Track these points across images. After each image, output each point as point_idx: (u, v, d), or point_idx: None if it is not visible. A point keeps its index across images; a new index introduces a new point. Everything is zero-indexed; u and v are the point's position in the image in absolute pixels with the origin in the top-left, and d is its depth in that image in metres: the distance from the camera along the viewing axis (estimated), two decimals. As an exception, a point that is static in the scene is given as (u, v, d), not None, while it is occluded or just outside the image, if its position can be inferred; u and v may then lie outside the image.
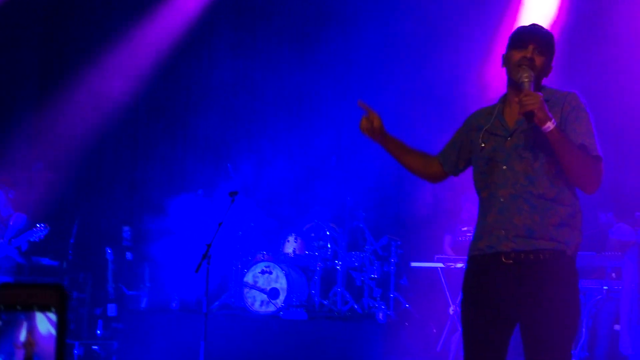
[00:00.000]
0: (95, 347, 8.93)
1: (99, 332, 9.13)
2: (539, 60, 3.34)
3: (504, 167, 3.32)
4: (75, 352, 8.70)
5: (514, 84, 3.39)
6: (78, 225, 8.91)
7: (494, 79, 8.61)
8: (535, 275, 3.24)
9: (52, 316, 1.82)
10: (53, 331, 1.82)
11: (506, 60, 3.43)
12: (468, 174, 3.63)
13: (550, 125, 3.14)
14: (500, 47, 8.88)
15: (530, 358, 3.31)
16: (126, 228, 9.70)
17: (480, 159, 3.45)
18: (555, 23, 8.65)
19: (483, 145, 3.42)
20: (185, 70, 10.44)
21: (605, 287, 7.38)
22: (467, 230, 8.41)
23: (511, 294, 3.28)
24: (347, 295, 8.42)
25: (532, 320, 3.27)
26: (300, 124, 9.83)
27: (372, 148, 9.22)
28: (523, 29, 3.46)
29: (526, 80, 3.25)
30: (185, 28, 10.06)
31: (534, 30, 3.43)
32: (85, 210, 9.49)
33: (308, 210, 9.14)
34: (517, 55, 3.37)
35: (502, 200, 3.31)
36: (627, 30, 8.36)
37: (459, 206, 8.59)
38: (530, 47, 3.35)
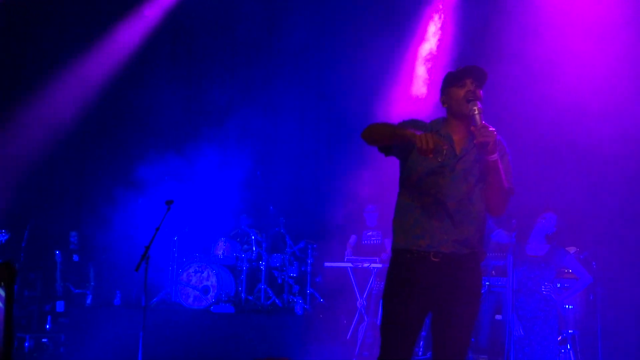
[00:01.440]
0: (45, 339, 9.44)
1: (48, 326, 9.65)
2: (479, 93, 3.63)
3: (453, 183, 3.62)
4: (26, 344, 9.23)
5: (461, 116, 3.66)
6: (30, 230, 9.34)
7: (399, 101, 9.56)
8: (455, 270, 3.61)
9: (1, 291, 2.15)
10: (1, 304, 2.15)
11: (447, 98, 3.71)
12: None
13: (496, 156, 3.54)
14: (406, 71, 9.75)
15: (441, 339, 3.64)
16: (73, 233, 10.17)
17: (424, 167, 3.66)
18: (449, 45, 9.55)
19: (434, 157, 3.59)
20: (126, 94, 10.97)
21: (487, 283, 8.06)
22: (372, 235, 9.10)
23: (434, 286, 3.60)
24: (270, 292, 9.04)
25: (448, 305, 3.60)
26: (228, 142, 10.41)
27: (291, 163, 10.14)
28: (460, 68, 3.70)
29: (477, 113, 3.53)
30: (126, 58, 10.68)
31: (470, 67, 3.67)
32: (36, 217, 9.80)
33: (236, 218, 9.79)
34: (460, 92, 3.64)
35: (450, 210, 3.60)
36: (513, 49, 8.88)
37: (363, 216, 9.24)
38: (468, 81, 3.63)
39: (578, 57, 8.50)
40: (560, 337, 7.59)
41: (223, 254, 9.26)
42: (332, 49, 10.19)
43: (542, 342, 6.08)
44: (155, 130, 10.89)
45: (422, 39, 9.95)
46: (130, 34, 10.68)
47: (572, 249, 8.15)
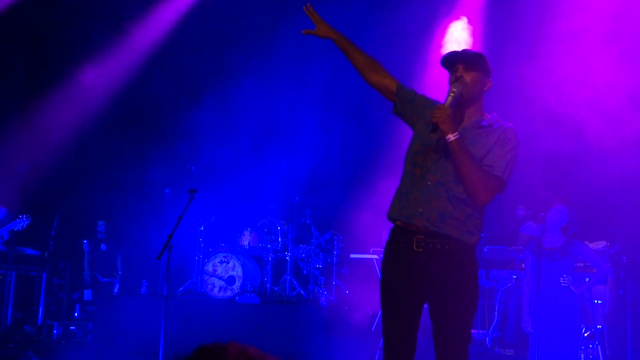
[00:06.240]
0: (73, 327, 9.54)
1: (76, 314, 9.82)
2: (468, 77, 3.58)
3: (440, 158, 3.56)
4: (55, 331, 9.35)
5: None
6: (58, 219, 9.40)
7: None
8: (442, 262, 3.51)
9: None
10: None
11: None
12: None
13: (451, 137, 3.42)
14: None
15: (436, 331, 3.58)
16: (101, 222, 10.31)
17: (420, 141, 3.67)
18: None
19: (429, 133, 3.55)
20: (156, 84, 11.05)
21: (514, 276, 8.16)
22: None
23: (421, 277, 3.53)
24: (295, 283, 9.02)
25: (438, 299, 3.55)
26: (258, 136, 10.47)
27: (318, 153, 10.13)
28: (451, 52, 3.72)
29: (451, 95, 3.50)
30: (154, 47, 10.78)
31: (460, 52, 3.69)
32: (65, 205, 9.90)
33: (262, 208, 9.76)
34: (451, 76, 3.63)
35: (429, 183, 3.54)
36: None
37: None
38: (460, 67, 3.60)
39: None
40: (588, 333, 7.48)
41: (249, 244, 9.27)
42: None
43: (562, 336, 5.96)
44: (184, 122, 10.86)
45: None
46: (155, 27, 10.73)
47: (602, 243, 8.05)
